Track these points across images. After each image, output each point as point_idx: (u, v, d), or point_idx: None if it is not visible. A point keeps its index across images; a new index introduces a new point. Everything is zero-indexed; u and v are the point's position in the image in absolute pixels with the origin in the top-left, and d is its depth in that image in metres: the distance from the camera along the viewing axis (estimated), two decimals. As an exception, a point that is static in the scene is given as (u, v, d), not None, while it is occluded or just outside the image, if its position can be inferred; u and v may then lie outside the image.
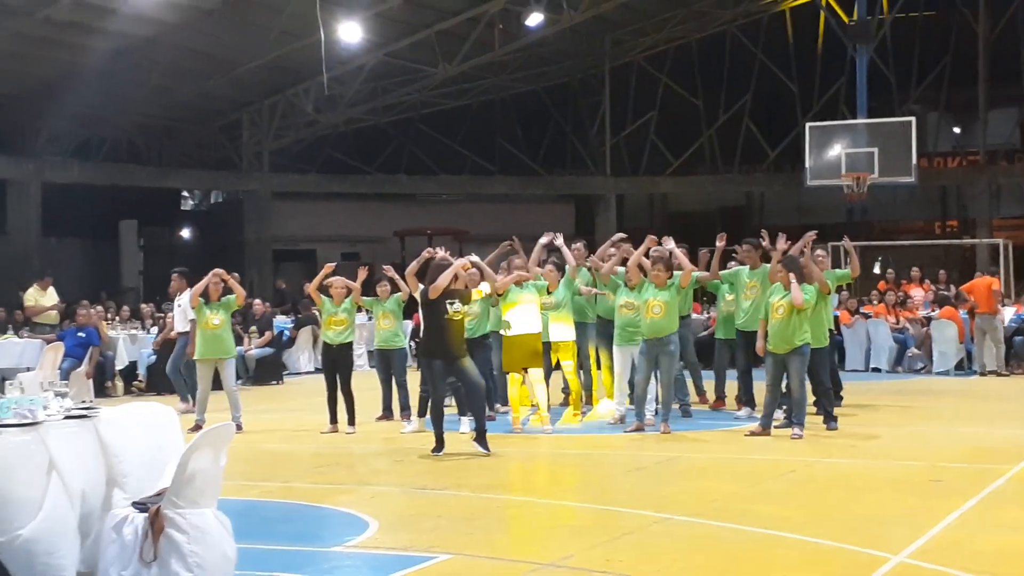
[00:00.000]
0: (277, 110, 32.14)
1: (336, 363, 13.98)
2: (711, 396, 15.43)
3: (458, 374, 11.90)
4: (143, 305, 23.40)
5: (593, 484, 10.24)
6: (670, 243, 13.74)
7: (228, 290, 14.48)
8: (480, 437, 11.72)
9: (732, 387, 14.97)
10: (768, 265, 13.86)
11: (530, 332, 13.29)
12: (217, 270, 14.55)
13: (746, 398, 14.44)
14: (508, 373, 13.73)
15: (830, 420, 13.14)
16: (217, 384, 14.42)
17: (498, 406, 14.91)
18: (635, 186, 37.88)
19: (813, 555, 7.35)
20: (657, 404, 13.27)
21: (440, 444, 11.74)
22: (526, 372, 13.46)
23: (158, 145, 32.55)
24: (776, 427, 12.76)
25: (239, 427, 13.48)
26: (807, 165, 26.15)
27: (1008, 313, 20.89)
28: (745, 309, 14.13)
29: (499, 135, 37.17)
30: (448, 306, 11.70)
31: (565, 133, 37.71)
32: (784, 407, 12.93)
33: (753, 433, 12.55)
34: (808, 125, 27.16)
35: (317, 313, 14.28)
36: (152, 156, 32.28)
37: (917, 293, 22.88)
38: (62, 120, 28.08)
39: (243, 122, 32.88)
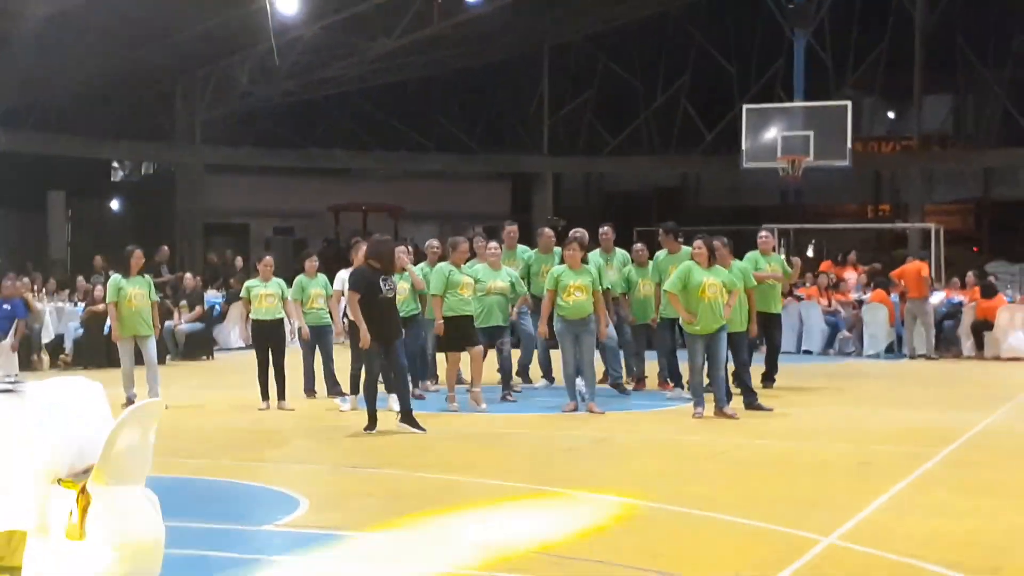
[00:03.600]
0: (211, 81, 31.72)
1: (269, 338, 13.86)
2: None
3: (387, 355, 11.84)
4: (80, 279, 22.89)
5: (526, 463, 10.22)
6: None
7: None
8: (407, 417, 11.66)
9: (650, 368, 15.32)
10: (688, 248, 13.99)
11: (466, 314, 13.40)
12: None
13: (674, 378, 14.55)
14: (441, 353, 13.76)
15: (751, 395, 13.24)
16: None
17: (428, 383, 14.90)
18: (572, 165, 37.87)
19: (744, 536, 7.37)
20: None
21: (373, 422, 11.67)
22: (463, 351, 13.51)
23: (88, 114, 32.01)
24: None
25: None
26: (743, 147, 26.28)
27: (938, 298, 21.14)
28: (642, 300, 14.44)
29: (437, 111, 36.97)
30: (382, 284, 11.63)
31: (503, 111, 37.60)
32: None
33: (698, 415, 12.56)
34: (745, 107, 27.27)
35: (244, 300, 14.13)
36: (82, 125, 31.75)
37: (851, 276, 23.11)
38: (-11, 86, 27.53)
39: (176, 92, 32.43)
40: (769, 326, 15.01)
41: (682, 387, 14.33)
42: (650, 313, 14.63)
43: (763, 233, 15.47)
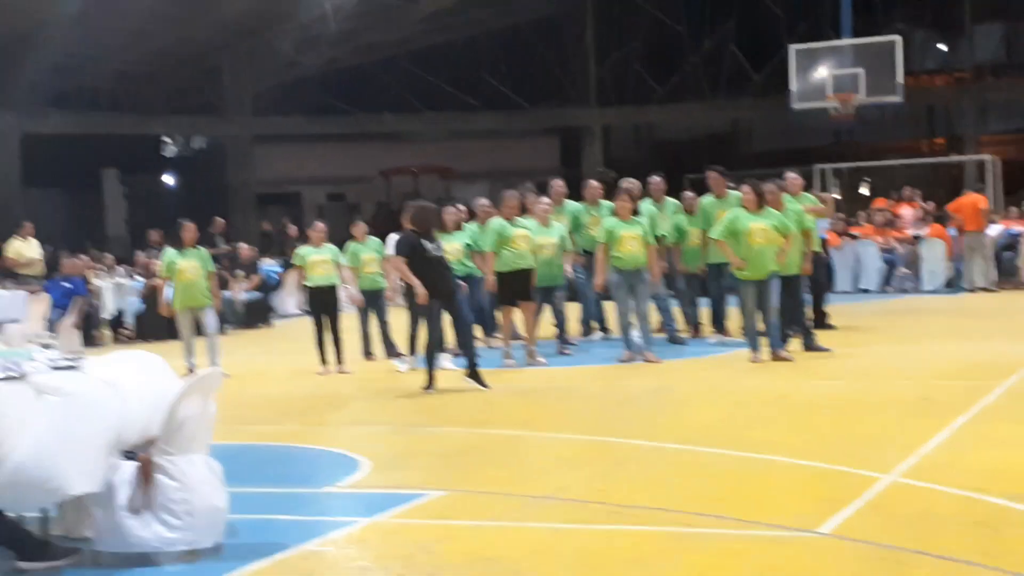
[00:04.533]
0: (257, 52, 31.82)
1: (325, 304, 13.98)
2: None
3: (450, 311, 11.90)
4: (140, 253, 23.09)
5: (585, 416, 10.24)
6: None
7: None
8: (473, 373, 11.71)
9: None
10: (736, 192, 14.02)
11: (522, 267, 13.37)
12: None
13: (717, 324, 14.62)
14: (502, 308, 13.81)
15: (809, 336, 13.22)
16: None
17: (490, 339, 14.98)
18: (621, 117, 37.67)
19: (806, 478, 7.35)
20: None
21: (431, 381, 11.73)
22: (519, 306, 13.55)
23: (137, 92, 32.28)
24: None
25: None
26: (792, 88, 26.00)
27: (996, 229, 20.89)
28: (694, 249, 14.37)
29: (483, 70, 36.87)
30: (427, 244, 11.66)
31: (549, 66, 37.42)
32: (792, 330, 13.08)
33: (755, 360, 12.52)
34: (792, 48, 26.96)
35: (298, 268, 14.25)
36: (132, 103, 32.02)
37: (907, 212, 22.89)
38: (40, 70, 27.79)
39: (223, 66, 32.58)
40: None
41: (724, 332, 14.36)
42: (699, 261, 14.59)
43: (790, 175, 15.26)
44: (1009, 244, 20.69)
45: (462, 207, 15.30)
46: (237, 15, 28.42)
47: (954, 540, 5.82)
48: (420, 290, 11.55)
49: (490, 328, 15.14)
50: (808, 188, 15.36)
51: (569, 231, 14.82)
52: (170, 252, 14.10)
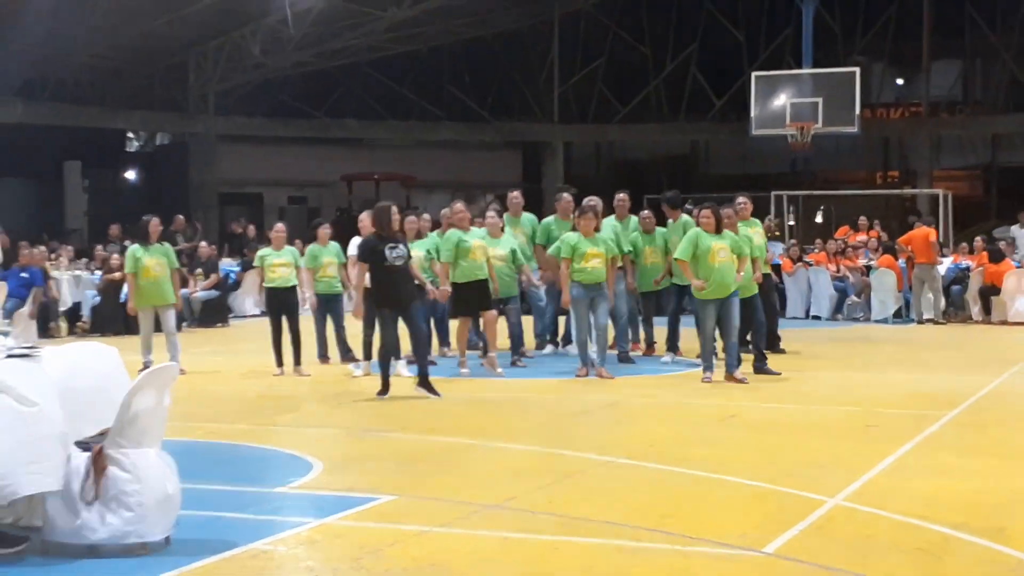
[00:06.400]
0: (224, 52, 31.73)
1: (283, 305, 13.98)
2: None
3: (404, 320, 11.95)
4: (99, 247, 22.99)
5: (537, 427, 10.33)
6: None
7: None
8: (424, 382, 11.78)
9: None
10: (663, 229, 14.86)
11: (479, 278, 13.46)
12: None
13: (671, 344, 14.74)
14: (459, 318, 13.90)
15: (761, 359, 13.44)
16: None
17: (445, 349, 15.04)
18: (582, 134, 37.86)
19: (751, 498, 7.47)
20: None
21: (386, 387, 11.79)
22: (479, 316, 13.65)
23: (103, 85, 32.09)
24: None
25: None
26: (752, 114, 26.26)
27: (946, 263, 21.19)
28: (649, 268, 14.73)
29: (447, 81, 36.96)
30: (387, 252, 11.68)
31: (513, 80, 37.55)
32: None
33: (706, 380, 12.67)
34: (754, 74, 27.25)
35: (259, 270, 14.25)
36: (97, 96, 31.84)
37: (864, 241, 23.17)
38: (6, 59, 27.57)
39: (189, 64, 32.48)
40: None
41: (676, 351, 14.54)
42: (654, 278, 14.77)
43: (740, 199, 15.31)
44: (958, 278, 20.98)
45: (427, 216, 15.38)
46: (205, 13, 28.34)
47: (895, 565, 5.95)
48: (358, 304, 11.63)
49: (446, 338, 15.20)
50: (764, 213, 15.55)
51: (535, 243, 14.99)
52: (136, 249, 14.00)
